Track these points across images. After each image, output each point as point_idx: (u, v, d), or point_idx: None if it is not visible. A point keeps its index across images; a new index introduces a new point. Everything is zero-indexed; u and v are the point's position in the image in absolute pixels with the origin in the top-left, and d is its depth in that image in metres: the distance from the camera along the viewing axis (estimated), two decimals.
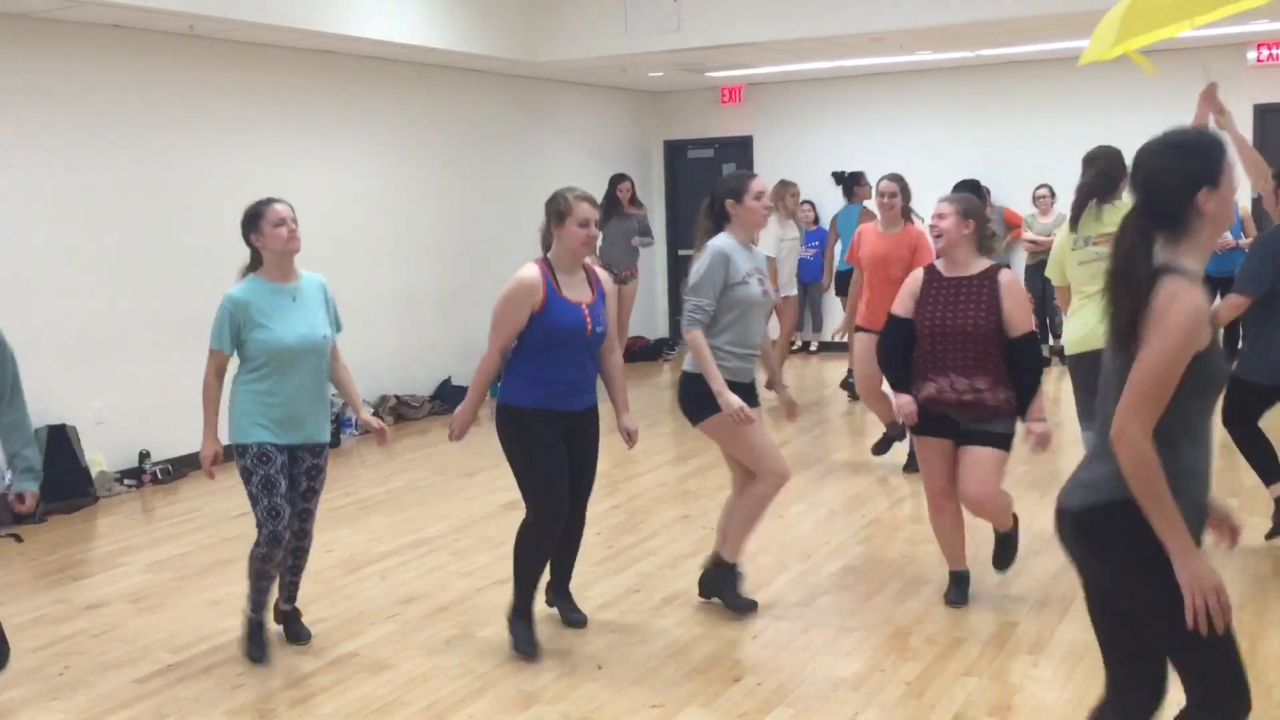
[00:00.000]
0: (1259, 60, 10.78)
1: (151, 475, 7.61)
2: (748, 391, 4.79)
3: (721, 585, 4.89)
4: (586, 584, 5.26)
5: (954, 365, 4.61)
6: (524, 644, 4.48)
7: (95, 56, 7.50)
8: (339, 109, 9.35)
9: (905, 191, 6.93)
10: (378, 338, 9.49)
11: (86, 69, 7.45)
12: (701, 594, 4.96)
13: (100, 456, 7.37)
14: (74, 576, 5.69)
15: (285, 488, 4.39)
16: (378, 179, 9.73)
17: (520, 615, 4.54)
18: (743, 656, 4.39)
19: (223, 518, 6.70)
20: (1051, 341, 10.85)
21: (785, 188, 10.24)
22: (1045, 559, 5.47)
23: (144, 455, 7.62)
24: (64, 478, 6.98)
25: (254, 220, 4.39)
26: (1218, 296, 9.73)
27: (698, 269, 4.67)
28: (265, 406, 4.38)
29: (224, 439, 4.48)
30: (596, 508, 6.53)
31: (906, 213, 6.94)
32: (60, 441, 7.05)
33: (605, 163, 12.47)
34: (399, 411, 9.55)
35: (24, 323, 6.41)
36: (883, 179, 7.01)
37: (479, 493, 7.00)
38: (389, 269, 9.83)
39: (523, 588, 4.52)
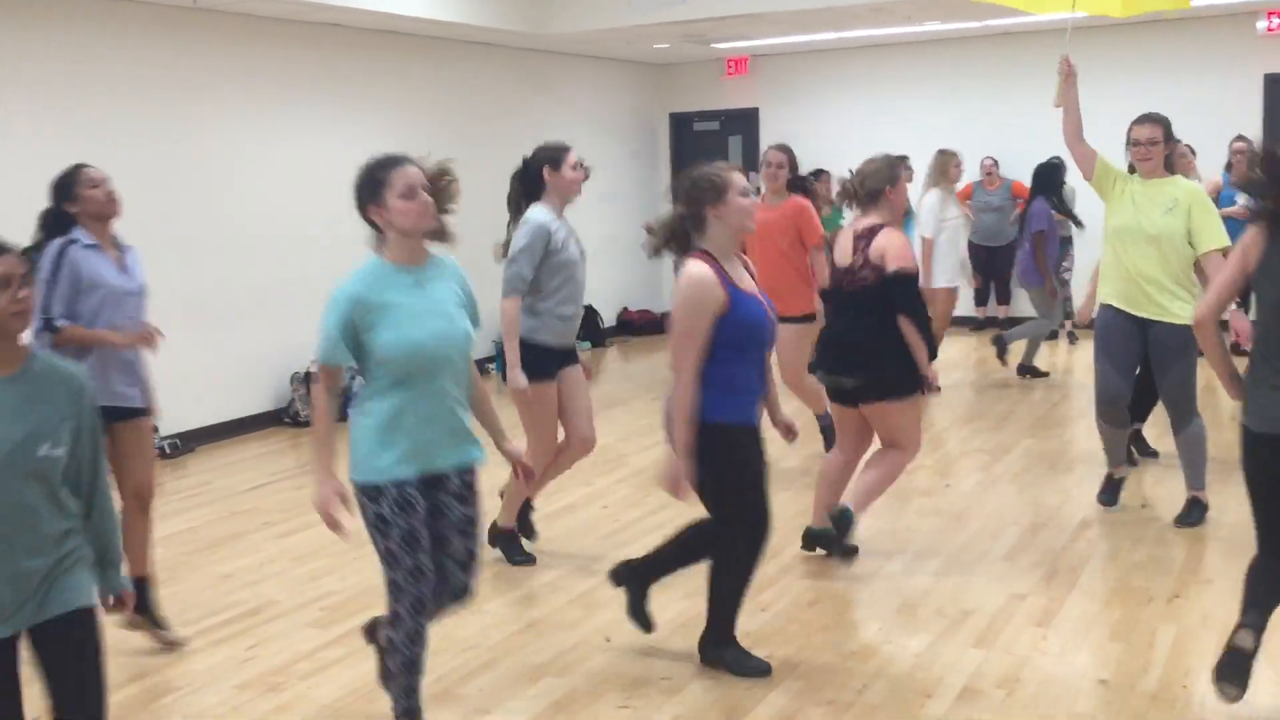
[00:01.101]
0: (1270, 30, 10.68)
1: (160, 450, 7.63)
2: (568, 356, 5.09)
3: (501, 545, 5.24)
4: (594, 558, 5.27)
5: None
6: (755, 664, 4.02)
7: (96, 31, 7.47)
8: (344, 83, 9.31)
9: (793, 163, 6.77)
10: None
11: (87, 43, 7.41)
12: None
13: None
14: None
15: (429, 540, 3.38)
16: (384, 151, 9.69)
17: (730, 641, 4.06)
18: (751, 629, 4.40)
19: (232, 492, 6.72)
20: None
21: (947, 158, 8.80)
22: (1051, 532, 5.47)
23: (153, 429, 7.63)
24: None
25: (374, 188, 3.31)
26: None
27: (518, 241, 4.87)
28: (397, 431, 3.28)
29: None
30: (603, 481, 6.55)
31: (794, 184, 6.81)
32: None
33: (611, 136, 12.42)
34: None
35: None
36: (771, 149, 6.73)
37: (485, 470, 7.00)
38: None
39: (728, 613, 4.04)
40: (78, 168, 4.34)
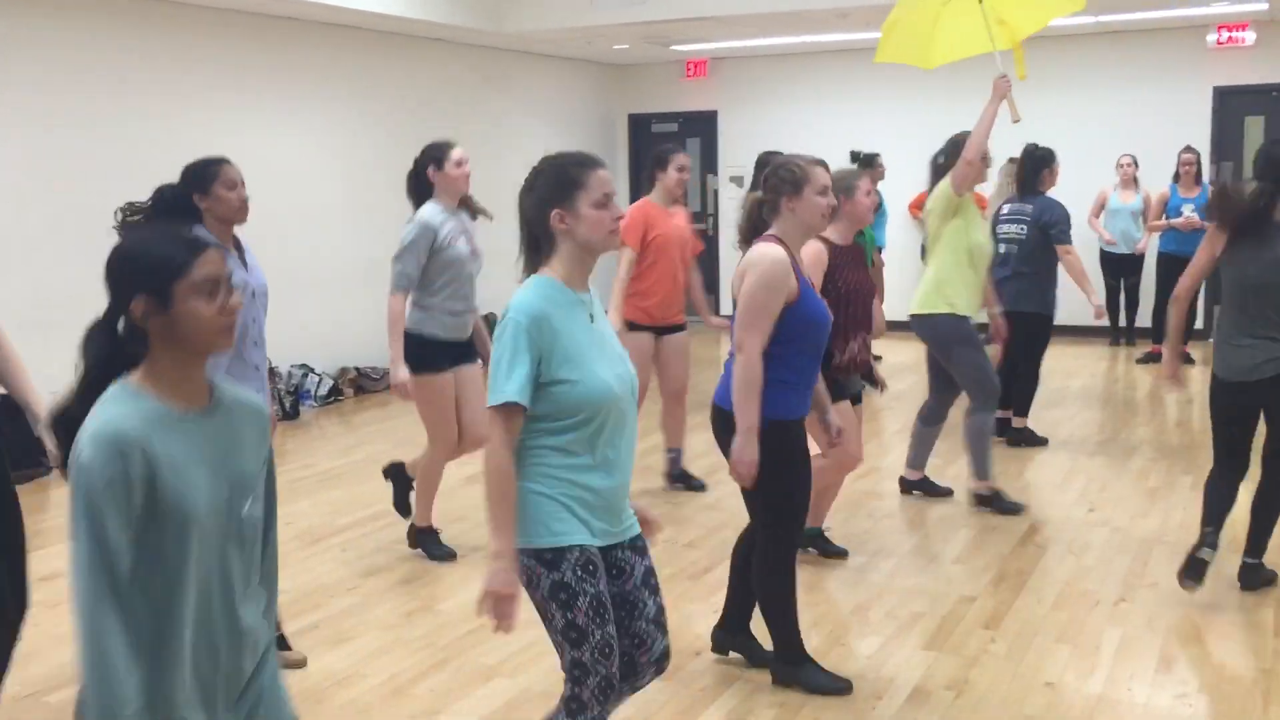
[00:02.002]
0: (1219, 43, 10.88)
1: None
2: (464, 349, 5.13)
3: (421, 544, 5.34)
4: None
5: (864, 325, 4.83)
6: (834, 681, 3.89)
7: (60, 22, 7.34)
8: (302, 77, 9.23)
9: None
10: (338, 309, 9.40)
11: (52, 36, 7.29)
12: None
13: None
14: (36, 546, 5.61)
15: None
16: (338, 148, 9.63)
17: (803, 656, 3.91)
18: (703, 630, 4.40)
19: None
20: None
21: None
22: (1001, 535, 5.54)
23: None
24: (30, 448, 6.84)
25: (566, 189, 2.70)
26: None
27: (404, 239, 4.94)
28: (580, 488, 2.71)
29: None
30: None
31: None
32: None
33: (569, 136, 12.40)
34: (359, 383, 9.48)
35: (3, 292, 6.29)
36: (682, 154, 6.24)
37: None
38: (349, 239, 9.73)
39: (790, 623, 3.89)
40: (220, 162, 4.04)
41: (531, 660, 4.20)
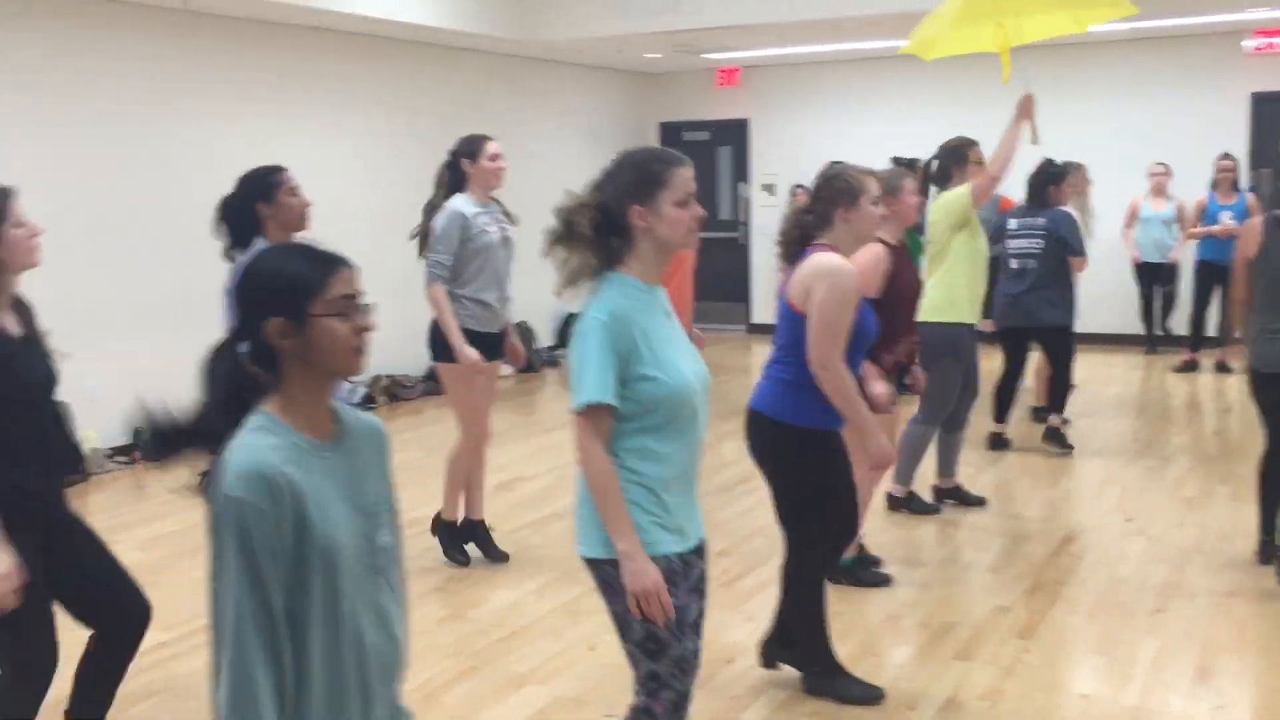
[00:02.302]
0: (1257, 49, 10.77)
1: (144, 452, 7.59)
2: (492, 344, 5.17)
3: (440, 538, 5.36)
4: (579, 566, 5.23)
5: (911, 326, 4.81)
6: (867, 690, 3.86)
7: (86, 31, 7.45)
8: (332, 87, 9.31)
9: None
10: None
11: (77, 45, 7.39)
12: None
13: (93, 433, 7.35)
14: None
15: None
16: (369, 158, 9.70)
17: (835, 667, 3.88)
18: (736, 639, 4.40)
19: None
20: None
21: (1077, 170, 8.23)
22: (1035, 544, 5.49)
23: (136, 431, 7.60)
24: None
25: (648, 186, 2.60)
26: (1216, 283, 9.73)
27: (436, 228, 5.00)
28: (660, 492, 2.63)
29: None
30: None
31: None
32: None
33: (600, 145, 12.42)
34: (392, 391, 9.54)
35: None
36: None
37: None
38: (381, 248, 9.76)
39: (824, 635, 3.88)
40: (280, 169, 4.04)
41: (563, 667, 4.21)
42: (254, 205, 3.98)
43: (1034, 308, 6.85)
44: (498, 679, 4.14)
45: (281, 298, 1.84)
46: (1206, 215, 9.63)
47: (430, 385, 9.89)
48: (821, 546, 3.84)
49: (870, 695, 3.86)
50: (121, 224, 7.61)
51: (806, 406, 3.65)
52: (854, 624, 4.57)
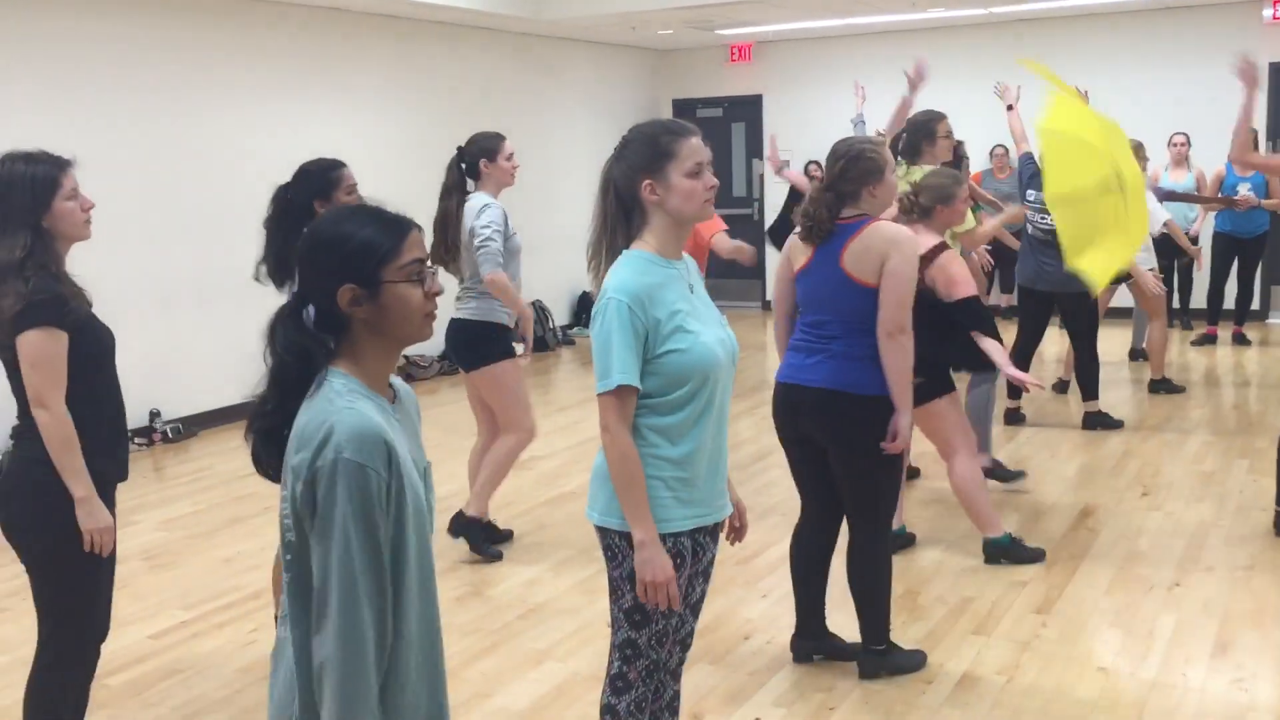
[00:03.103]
0: (1276, 17, 10.64)
1: (162, 434, 7.64)
2: (509, 332, 5.17)
3: (469, 535, 5.20)
4: (595, 544, 5.27)
5: None
6: (913, 656, 3.95)
7: (103, 16, 7.45)
8: (344, 66, 9.29)
9: None
10: None
11: (95, 29, 7.40)
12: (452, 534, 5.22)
13: None
14: None
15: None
16: (384, 137, 9.69)
17: (890, 645, 3.91)
18: (752, 615, 4.41)
19: (234, 477, 6.73)
20: None
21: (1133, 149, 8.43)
22: (1053, 519, 5.48)
23: (154, 414, 7.65)
24: None
25: (657, 159, 2.59)
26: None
27: (486, 220, 4.91)
28: (680, 469, 2.63)
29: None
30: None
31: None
32: None
33: (612, 122, 12.39)
34: (407, 371, 9.56)
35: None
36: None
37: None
38: None
39: (886, 612, 3.88)
40: (340, 165, 3.99)
41: (581, 644, 4.23)
42: (311, 204, 3.91)
43: (1063, 277, 6.74)
44: (516, 656, 4.16)
45: (354, 264, 1.80)
46: (1224, 186, 9.55)
47: (445, 365, 9.92)
48: (890, 520, 3.83)
49: (921, 660, 3.95)
50: (142, 206, 7.63)
51: (881, 375, 3.62)
52: None
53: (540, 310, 10.64)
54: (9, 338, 2.86)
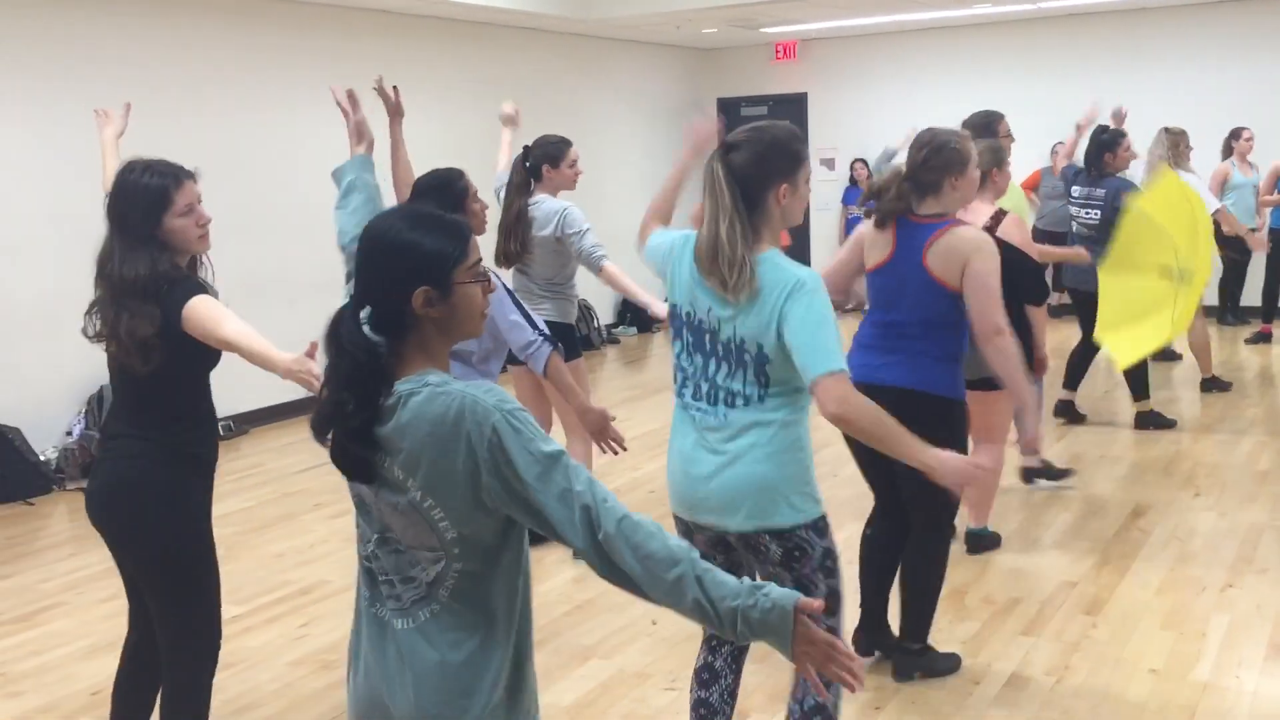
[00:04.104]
0: None
1: None
2: (573, 330, 5.21)
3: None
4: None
5: None
6: (949, 659, 3.94)
7: (138, 16, 7.57)
8: (390, 68, 9.32)
9: None
10: None
11: (132, 30, 7.52)
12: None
13: None
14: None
15: None
16: (432, 139, 9.75)
17: (928, 644, 3.89)
18: None
19: (284, 473, 6.81)
20: None
21: (1176, 136, 7.86)
22: (1104, 518, 5.42)
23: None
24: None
25: (796, 164, 2.69)
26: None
27: (575, 221, 4.97)
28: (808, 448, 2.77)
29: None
30: (650, 466, 6.56)
31: None
32: None
33: (657, 121, 12.41)
34: None
35: (82, 284, 6.52)
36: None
37: None
38: None
39: (932, 611, 3.88)
40: (463, 175, 3.98)
41: (627, 641, 4.24)
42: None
43: (1094, 278, 6.74)
44: (564, 653, 4.18)
45: (429, 267, 1.86)
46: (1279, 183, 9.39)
47: None
48: (952, 521, 3.86)
49: (956, 664, 3.92)
50: None
51: (959, 379, 3.61)
52: None
53: (584, 310, 10.67)
54: (148, 349, 2.85)
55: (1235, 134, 9.69)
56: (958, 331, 3.60)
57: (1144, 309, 5.79)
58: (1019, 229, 4.53)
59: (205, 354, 3.01)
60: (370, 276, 1.89)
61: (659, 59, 12.74)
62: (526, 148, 5.16)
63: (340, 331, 1.88)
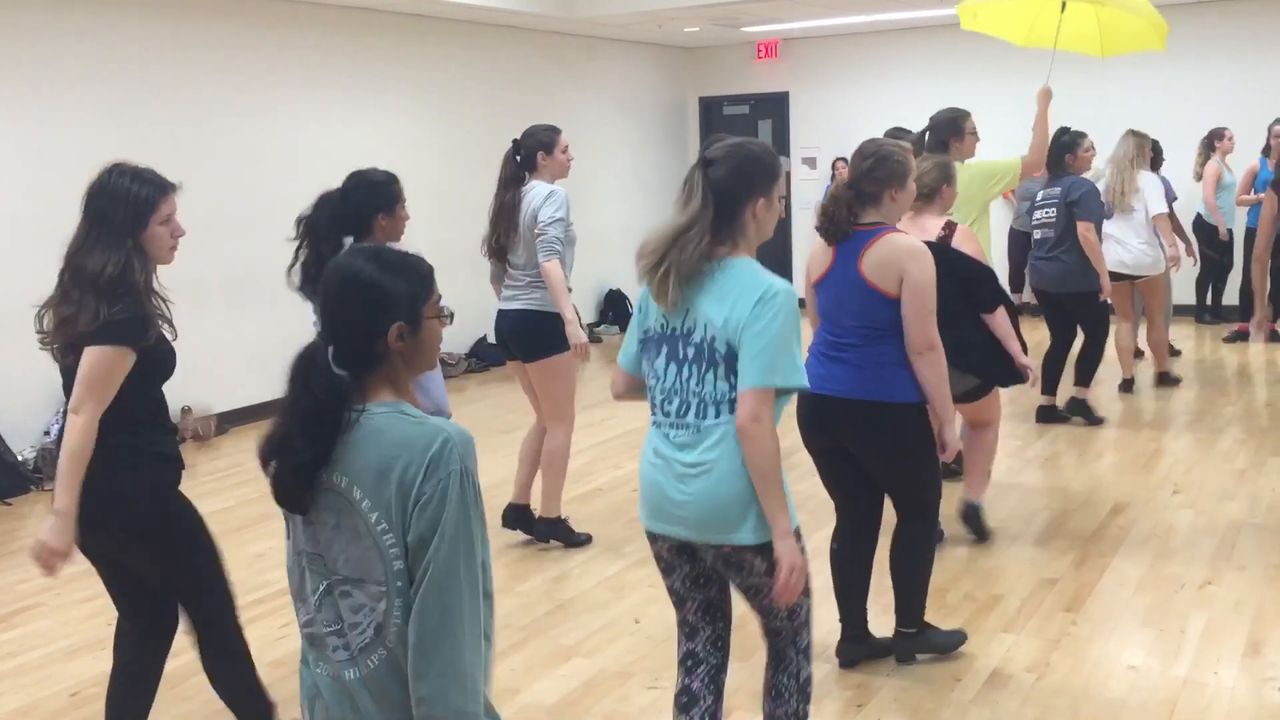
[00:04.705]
0: None
1: (193, 432, 7.72)
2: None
3: (556, 534, 5.29)
4: (625, 539, 5.29)
5: None
6: (952, 635, 4.01)
7: (122, 16, 7.52)
8: (374, 66, 9.34)
9: None
10: None
11: (125, 28, 7.48)
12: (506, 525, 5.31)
13: None
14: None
15: None
16: (415, 137, 9.74)
17: (924, 625, 3.97)
18: None
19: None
20: None
21: (1143, 140, 7.74)
22: (1083, 516, 5.45)
23: (185, 411, 7.73)
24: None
25: (771, 180, 2.73)
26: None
27: (550, 208, 4.91)
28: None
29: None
30: (632, 465, 6.56)
31: None
32: None
33: (640, 120, 12.41)
34: None
35: None
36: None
37: (515, 449, 7.04)
38: (425, 228, 9.82)
39: (923, 596, 3.95)
40: (396, 179, 3.94)
41: (609, 640, 4.24)
42: (373, 216, 3.81)
43: (1056, 275, 6.89)
44: (545, 651, 4.18)
45: (402, 304, 1.92)
46: (1258, 182, 9.45)
47: (472, 363, 9.96)
48: (937, 512, 3.93)
49: (957, 639, 4.00)
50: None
51: (908, 382, 3.61)
52: None
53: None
54: (78, 347, 2.86)
55: (1217, 134, 9.75)
56: (901, 337, 3.60)
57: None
58: (970, 240, 4.60)
59: (156, 363, 3.00)
60: (343, 315, 1.93)
61: (641, 57, 12.74)
62: (516, 141, 5.14)
63: (310, 371, 1.91)
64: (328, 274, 1.95)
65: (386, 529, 1.85)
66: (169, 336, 3.08)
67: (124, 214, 2.93)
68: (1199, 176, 9.84)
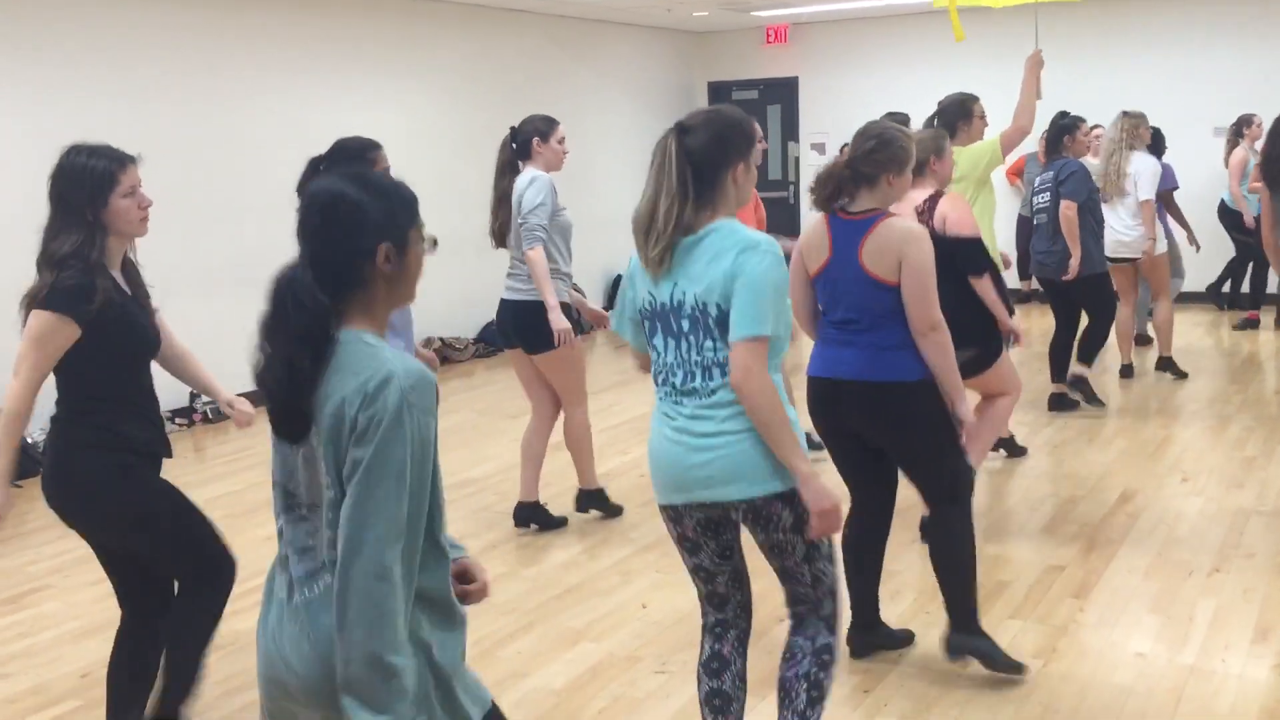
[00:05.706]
0: None
1: (202, 414, 7.74)
2: (568, 310, 5.12)
3: (595, 505, 5.43)
4: (633, 525, 5.30)
5: None
6: (1010, 661, 3.74)
7: (118, 3, 7.52)
8: (384, 52, 9.33)
9: None
10: (424, 280, 9.51)
11: (135, 12, 7.47)
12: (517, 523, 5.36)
13: None
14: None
15: None
16: (423, 122, 9.72)
17: (980, 630, 3.78)
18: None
19: None
20: None
21: (1137, 120, 7.70)
22: (1091, 503, 5.45)
23: (194, 395, 7.74)
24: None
25: (747, 146, 2.76)
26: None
27: (533, 196, 4.92)
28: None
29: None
30: (640, 449, 6.57)
31: None
32: None
33: (649, 104, 12.37)
34: (444, 354, 9.63)
35: None
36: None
37: (520, 434, 7.05)
38: (434, 212, 9.77)
39: (973, 595, 3.79)
40: (378, 146, 4.04)
41: (617, 624, 4.25)
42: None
43: (1055, 260, 6.86)
44: (553, 635, 4.19)
45: (391, 225, 1.88)
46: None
47: (481, 348, 9.97)
48: (967, 495, 3.76)
49: (1014, 666, 3.73)
50: (183, 189, 7.70)
51: (915, 360, 3.57)
52: (908, 582, 4.57)
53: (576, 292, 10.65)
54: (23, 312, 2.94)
55: (1246, 120, 9.64)
56: (904, 318, 3.57)
57: None
58: (953, 205, 4.53)
59: (115, 337, 2.99)
60: (328, 234, 1.87)
61: (650, 42, 12.69)
62: (513, 128, 5.14)
63: (293, 289, 1.86)
64: (309, 195, 1.88)
65: (327, 455, 1.82)
66: (138, 314, 3.08)
67: (82, 192, 2.94)
68: (1227, 163, 9.78)
